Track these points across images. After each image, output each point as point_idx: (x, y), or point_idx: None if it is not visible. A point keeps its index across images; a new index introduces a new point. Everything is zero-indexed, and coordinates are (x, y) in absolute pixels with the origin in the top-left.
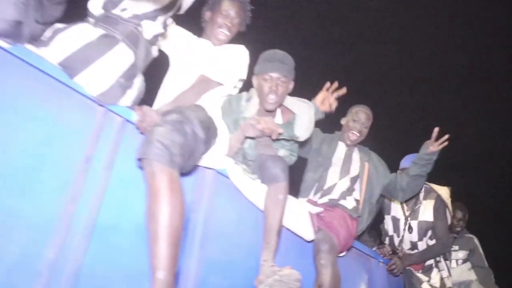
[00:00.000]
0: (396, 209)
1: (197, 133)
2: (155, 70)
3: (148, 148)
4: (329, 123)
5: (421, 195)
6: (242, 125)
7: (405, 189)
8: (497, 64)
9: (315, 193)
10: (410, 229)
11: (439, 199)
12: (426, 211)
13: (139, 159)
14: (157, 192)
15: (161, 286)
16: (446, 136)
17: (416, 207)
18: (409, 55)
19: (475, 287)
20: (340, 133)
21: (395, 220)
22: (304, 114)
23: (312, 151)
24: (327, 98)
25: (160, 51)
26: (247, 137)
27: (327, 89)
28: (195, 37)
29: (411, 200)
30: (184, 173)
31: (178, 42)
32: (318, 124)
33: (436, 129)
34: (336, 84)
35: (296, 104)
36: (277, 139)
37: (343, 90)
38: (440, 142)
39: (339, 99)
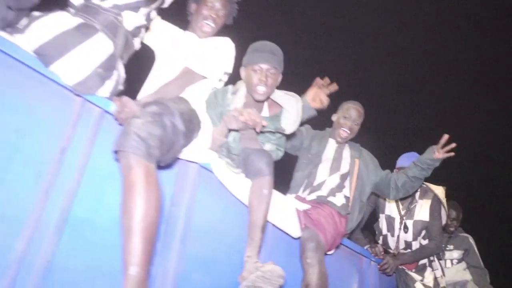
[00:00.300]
0: (391, 208)
1: (176, 125)
2: (141, 64)
3: (125, 140)
4: (320, 120)
5: (417, 194)
6: (225, 117)
7: (399, 188)
8: (491, 61)
9: (304, 190)
10: (406, 228)
11: (435, 199)
12: (422, 210)
13: (115, 151)
14: (132, 186)
15: (133, 282)
16: (453, 145)
17: (412, 206)
18: (403, 51)
19: (471, 287)
20: (331, 130)
21: (390, 219)
22: (291, 107)
23: (303, 148)
24: (318, 94)
25: (146, 46)
26: (230, 130)
27: (318, 85)
28: (181, 30)
29: (407, 199)
30: (164, 166)
31: (163, 36)
32: (309, 121)
33: (446, 136)
34: (327, 80)
35: (284, 97)
36: (263, 132)
37: (335, 86)
38: (447, 150)
39: (331, 95)
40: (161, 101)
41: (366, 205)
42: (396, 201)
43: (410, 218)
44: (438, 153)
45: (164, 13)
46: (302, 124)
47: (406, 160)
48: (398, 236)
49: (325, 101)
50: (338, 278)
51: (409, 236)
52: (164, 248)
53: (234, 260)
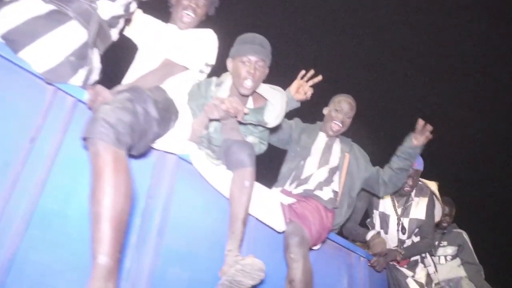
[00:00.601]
0: (385, 205)
1: (149, 112)
2: (126, 58)
3: (92, 126)
4: (311, 114)
5: (413, 191)
6: (205, 107)
7: (386, 183)
8: (482, 53)
9: (291, 183)
10: (404, 229)
11: (432, 197)
12: (418, 208)
13: (84, 139)
14: (100, 172)
15: (101, 271)
16: (430, 128)
17: (408, 204)
18: (393, 44)
19: (465, 284)
20: (321, 123)
21: (384, 216)
22: (276, 101)
23: (291, 141)
24: (302, 86)
25: (129, 40)
26: (211, 120)
27: (302, 77)
28: (162, 23)
29: (403, 197)
30: (138, 156)
31: (145, 29)
32: (297, 114)
33: (421, 121)
34: (311, 72)
35: (269, 91)
36: (245, 124)
37: (319, 78)
38: (425, 135)
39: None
40: (134, 88)
41: (356, 201)
42: (392, 199)
43: (405, 216)
44: (416, 140)
45: (146, 7)
46: (285, 116)
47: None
48: (392, 234)
49: (308, 92)
50: (327, 274)
51: (404, 236)
52: (139, 241)
53: (215, 254)
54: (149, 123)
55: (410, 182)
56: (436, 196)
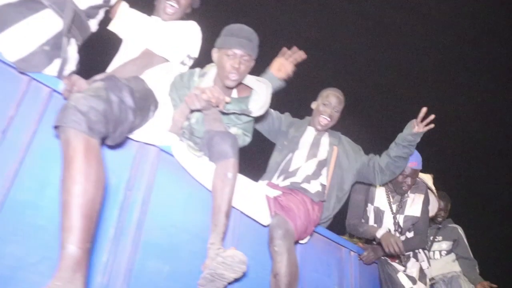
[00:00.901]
0: (381, 201)
1: (125, 101)
2: (108, 51)
3: (63, 114)
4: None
5: None
6: (186, 97)
7: (383, 170)
8: (475, 44)
9: (278, 176)
10: (400, 228)
11: (427, 194)
12: (414, 205)
13: (55, 127)
14: (70, 160)
15: (69, 262)
16: (432, 116)
17: (403, 200)
18: (383, 35)
19: (463, 282)
20: (310, 118)
21: (379, 212)
22: (261, 91)
23: (280, 134)
24: (284, 64)
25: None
26: (193, 111)
27: (284, 55)
28: (147, 16)
29: (399, 194)
30: (117, 147)
31: (129, 22)
32: (286, 108)
33: (424, 109)
34: (294, 49)
35: (254, 82)
36: (227, 114)
37: (301, 54)
38: (426, 122)
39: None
40: (109, 77)
41: (348, 193)
42: (387, 195)
43: (401, 213)
44: (417, 127)
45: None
46: (275, 107)
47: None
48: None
49: (290, 70)
50: (316, 269)
51: (398, 233)
52: (117, 234)
53: (197, 247)
54: (124, 112)
55: (408, 181)
56: (431, 190)
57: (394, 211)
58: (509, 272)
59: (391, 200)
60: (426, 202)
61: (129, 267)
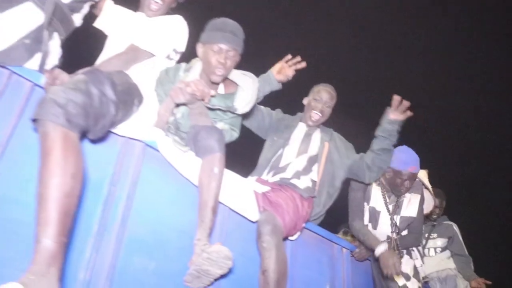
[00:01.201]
0: (377, 201)
1: (106, 94)
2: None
3: (41, 108)
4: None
5: None
6: (170, 91)
7: (370, 167)
8: (469, 33)
9: (268, 172)
10: (397, 229)
11: (423, 193)
12: (410, 205)
13: (34, 121)
14: (47, 153)
15: (43, 256)
16: (407, 104)
17: (400, 200)
18: (369, 23)
19: (458, 280)
20: (302, 114)
21: (374, 212)
22: (247, 87)
23: (271, 130)
24: (285, 68)
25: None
26: (178, 105)
27: (287, 61)
28: (131, 12)
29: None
30: (101, 141)
31: (114, 18)
32: (278, 105)
33: (397, 97)
34: (298, 58)
35: (240, 77)
36: (213, 109)
37: (303, 64)
38: (402, 110)
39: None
40: (91, 70)
41: (339, 190)
42: (383, 195)
43: (397, 214)
44: (392, 114)
45: None
46: (266, 103)
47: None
48: (381, 230)
49: (290, 75)
50: (308, 266)
51: (395, 234)
52: (100, 230)
53: (183, 244)
54: (105, 105)
55: (407, 184)
56: (426, 188)
57: (391, 211)
58: (504, 270)
59: (387, 200)
60: (422, 202)
61: (113, 263)
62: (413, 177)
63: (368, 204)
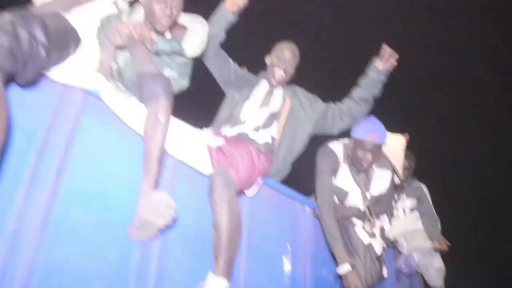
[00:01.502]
0: (344, 181)
1: (36, 36)
2: None
3: None
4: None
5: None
6: (108, 32)
7: (344, 114)
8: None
9: (226, 126)
10: (370, 211)
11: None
12: (381, 181)
13: None
14: None
15: None
16: (396, 55)
17: (369, 176)
18: None
19: (419, 235)
20: (265, 72)
21: (342, 192)
22: (197, 30)
23: (231, 84)
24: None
25: None
26: (117, 49)
27: None
28: None
29: (362, 172)
30: (33, 87)
31: None
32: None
33: (386, 47)
34: None
35: (189, 21)
36: (158, 55)
37: None
38: (390, 61)
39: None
40: (19, 12)
41: (302, 145)
42: (352, 174)
43: (367, 190)
44: (379, 63)
45: None
46: (226, 33)
47: (361, 129)
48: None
49: (241, 3)
50: (267, 224)
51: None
52: (33, 180)
53: (126, 195)
54: (35, 48)
55: (369, 157)
56: (396, 172)
57: (363, 189)
58: (473, 235)
59: (357, 179)
60: (393, 181)
61: (47, 213)
62: (375, 149)
63: (336, 184)
